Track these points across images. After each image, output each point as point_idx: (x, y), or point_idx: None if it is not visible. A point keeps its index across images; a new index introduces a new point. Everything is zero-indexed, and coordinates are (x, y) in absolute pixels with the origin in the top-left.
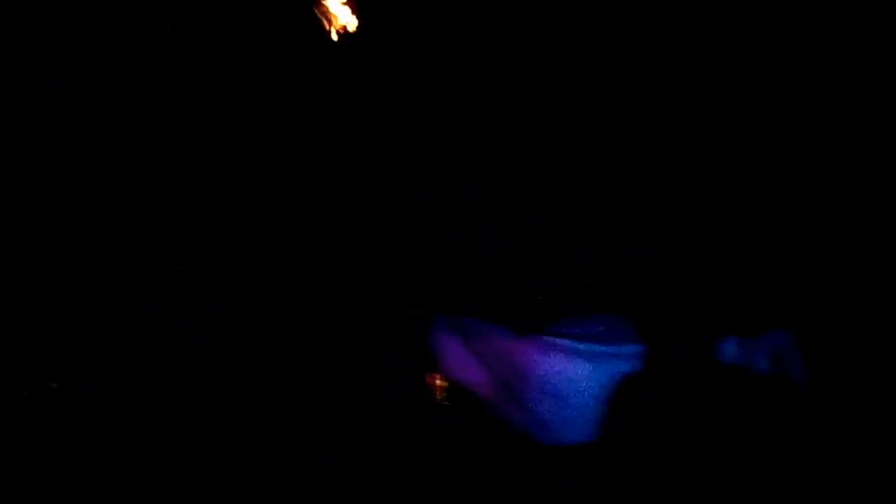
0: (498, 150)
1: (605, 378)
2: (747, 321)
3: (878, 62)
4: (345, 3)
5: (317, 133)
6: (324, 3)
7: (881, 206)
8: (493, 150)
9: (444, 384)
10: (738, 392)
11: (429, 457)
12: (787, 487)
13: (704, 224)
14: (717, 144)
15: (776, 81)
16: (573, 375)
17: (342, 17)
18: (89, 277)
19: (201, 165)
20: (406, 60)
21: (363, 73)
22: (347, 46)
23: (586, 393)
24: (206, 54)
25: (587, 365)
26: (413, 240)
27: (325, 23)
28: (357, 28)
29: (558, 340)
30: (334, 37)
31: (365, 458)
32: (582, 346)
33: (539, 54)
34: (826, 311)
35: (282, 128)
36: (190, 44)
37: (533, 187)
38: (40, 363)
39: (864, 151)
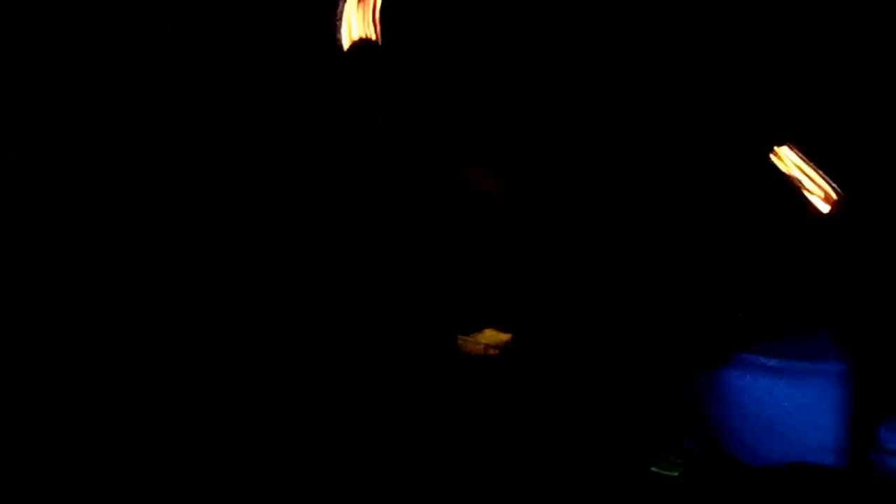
0: (498, 151)
1: (808, 395)
2: None
3: (878, 62)
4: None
5: (317, 133)
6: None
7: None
8: (493, 151)
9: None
10: None
11: (429, 457)
12: None
13: (704, 224)
14: (717, 144)
15: (776, 81)
16: (774, 393)
17: (359, 29)
18: (89, 277)
19: (201, 165)
20: (406, 60)
21: (363, 73)
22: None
23: (789, 411)
24: (206, 54)
25: (789, 382)
26: (413, 240)
27: (344, 35)
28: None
29: (758, 358)
30: (345, 45)
31: (365, 458)
32: (783, 364)
33: (539, 54)
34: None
35: (282, 128)
36: (190, 44)
37: (533, 187)
38: (40, 363)
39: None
